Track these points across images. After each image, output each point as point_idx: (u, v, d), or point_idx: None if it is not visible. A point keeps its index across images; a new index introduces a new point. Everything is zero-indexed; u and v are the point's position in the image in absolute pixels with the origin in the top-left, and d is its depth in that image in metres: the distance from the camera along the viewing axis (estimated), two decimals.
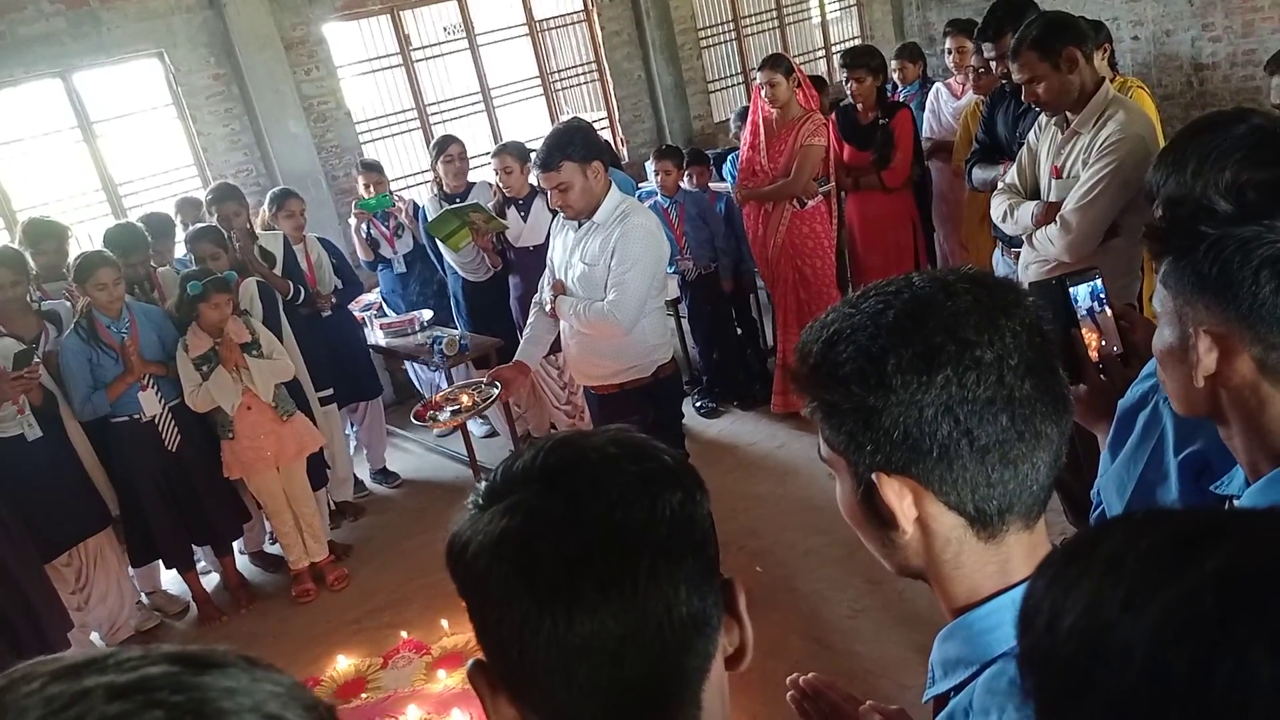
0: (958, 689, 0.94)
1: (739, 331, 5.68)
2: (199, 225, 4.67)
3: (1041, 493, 0.92)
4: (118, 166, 6.03)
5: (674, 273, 5.46)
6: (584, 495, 0.76)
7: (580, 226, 3.43)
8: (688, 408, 5.57)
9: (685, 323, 5.72)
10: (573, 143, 3.31)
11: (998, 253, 4.05)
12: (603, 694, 0.75)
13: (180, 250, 4.87)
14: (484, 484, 0.82)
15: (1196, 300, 1.10)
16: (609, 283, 3.34)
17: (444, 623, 3.91)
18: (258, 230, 4.95)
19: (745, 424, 5.37)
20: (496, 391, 3.58)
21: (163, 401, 4.25)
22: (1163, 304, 1.17)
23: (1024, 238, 3.27)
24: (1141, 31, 7.78)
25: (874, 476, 0.91)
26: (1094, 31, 3.53)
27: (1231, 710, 0.39)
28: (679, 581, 0.75)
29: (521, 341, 3.74)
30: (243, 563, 4.87)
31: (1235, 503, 1.20)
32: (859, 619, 3.54)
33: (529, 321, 3.70)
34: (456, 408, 3.78)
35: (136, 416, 4.21)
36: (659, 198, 5.35)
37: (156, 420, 4.24)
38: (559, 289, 3.52)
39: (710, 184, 5.67)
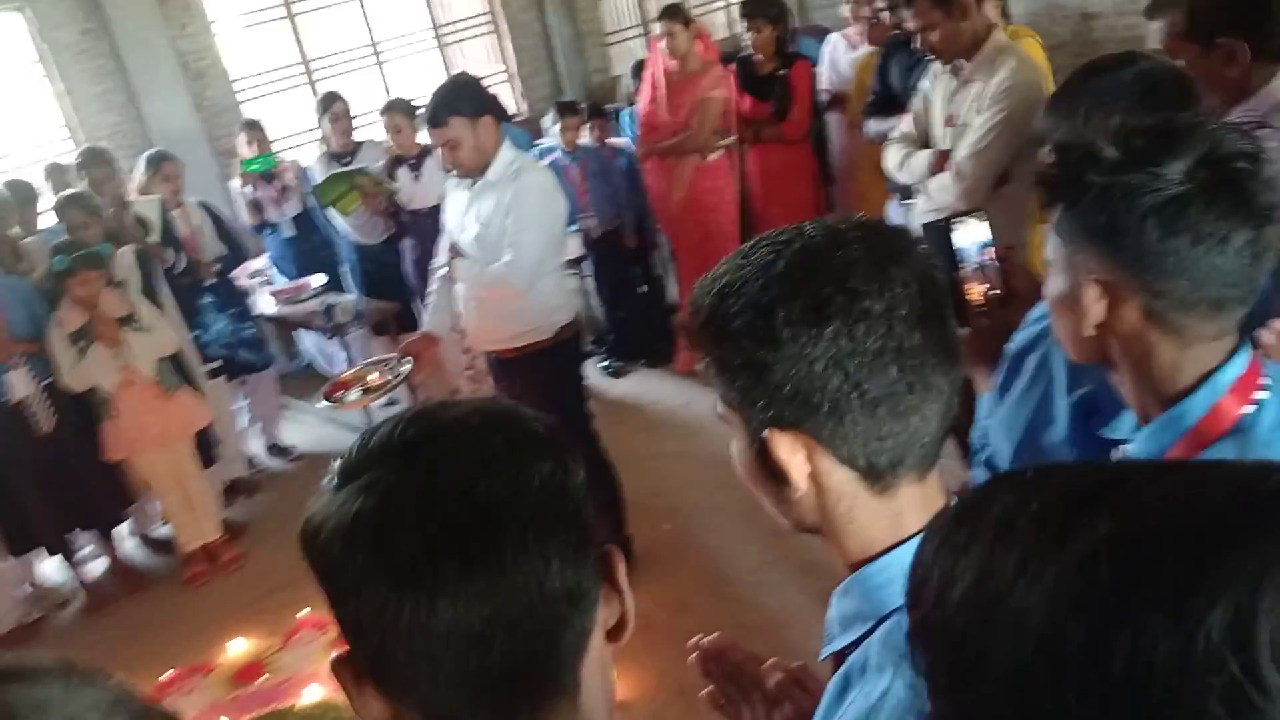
0: (854, 645, 0.91)
1: (644, 289, 5.62)
2: (67, 192, 4.39)
3: (933, 444, 0.89)
4: None
5: (577, 231, 5.37)
6: (444, 469, 0.70)
7: (473, 185, 3.31)
8: (594, 368, 5.52)
9: (590, 281, 5.64)
10: (460, 97, 3.19)
11: (893, 203, 4.06)
12: (472, 681, 0.70)
13: (49, 219, 4.58)
14: (339, 461, 0.74)
15: (1086, 248, 1.08)
16: (505, 243, 3.24)
17: None
18: (133, 196, 4.67)
19: (651, 382, 5.33)
20: (408, 369, 3.45)
21: (35, 381, 4.00)
22: (1055, 252, 1.15)
23: (918, 187, 3.28)
24: None
25: (766, 433, 0.87)
26: None
27: (1133, 683, 0.37)
28: (550, 556, 0.70)
29: (427, 310, 3.61)
30: (131, 546, 4.67)
31: (1125, 447, 1.19)
32: (765, 571, 3.56)
33: (433, 289, 3.57)
34: (366, 387, 3.64)
35: (4, 399, 3.95)
36: (560, 154, 5.23)
37: (28, 401, 3.99)
38: (454, 251, 3.40)
39: (609, 139, 5.56)
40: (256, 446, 5.35)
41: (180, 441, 4.26)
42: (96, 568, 4.56)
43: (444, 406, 0.77)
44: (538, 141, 6.95)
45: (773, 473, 0.89)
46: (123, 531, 4.62)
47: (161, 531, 4.62)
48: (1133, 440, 1.16)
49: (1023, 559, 0.42)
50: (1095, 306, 1.07)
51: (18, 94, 5.76)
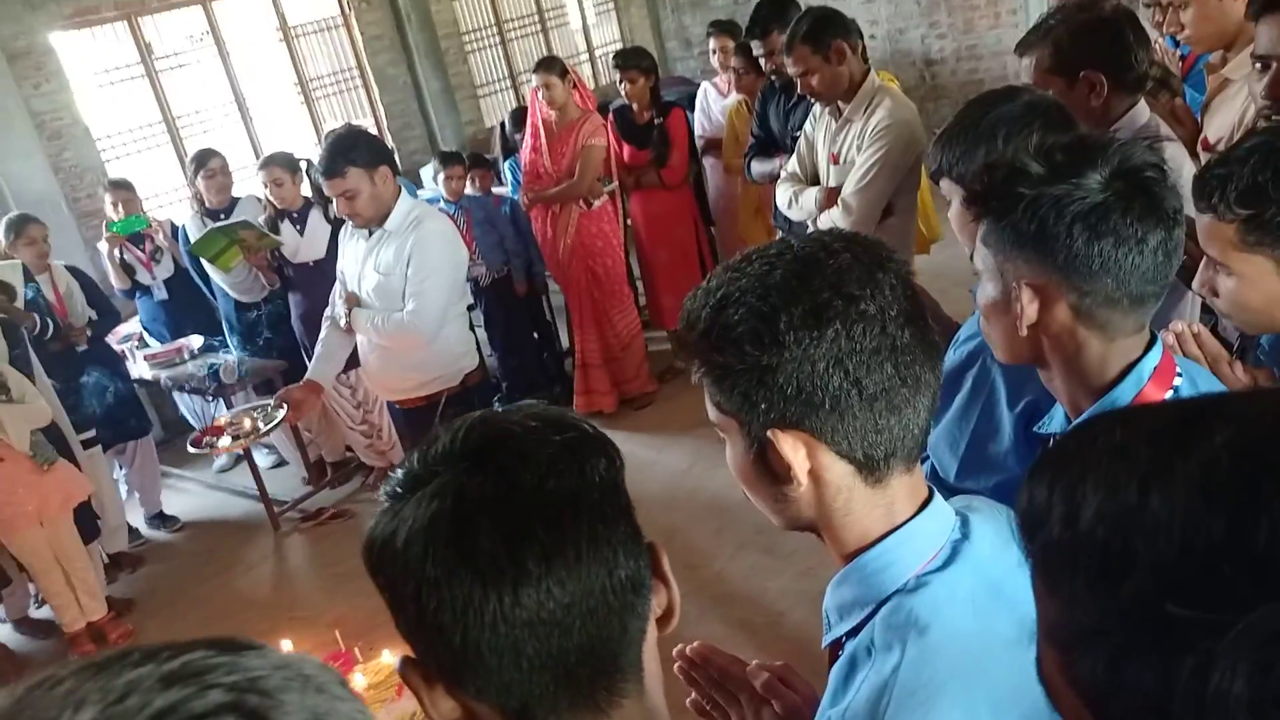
0: (853, 632, 0.97)
1: (535, 335, 5.65)
2: None
3: (921, 435, 0.96)
4: None
5: (467, 279, 5.36)
6: (514, 468, 0.75)
7: (371, 235, 3.30)
8: None
9: (481, 330, 5.63)
10: (356, 147, 3.19)
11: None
12: (553, 665, 0.75)
13: None
14: (400, 472, 0.79)
15: (1016, 255, 1.19)
16: (407, 292, 3.23)
17: (286, 644, 3.66)
18: None
19: None
20: (282, 414, 3.37)
21: None
22: (984, 262, 1.26)
23: (809, 222, 3.45)
24: (877, 30, 8.39)
25: (770, 433, 0.93)
26: None
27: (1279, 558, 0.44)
28: (616, 545, 0.77)
29: (313, 359, 3.54)
30: (5, 632, 4.36)
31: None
32: (682, 603, 3.60)
33: (321, 338, 3.52)
34: (237, 432, 3.53)
35: None
36: (443, 204, 5.24)
37: None
38: (353, 301, 3.37)
39: (492, 188, 5.61)
40: (137, 518, 5.09)
41: (59, 517, 4.02)
42: None
43: (498, 413, 0.82)
44: (418, 193, 6.94)
45: (771, 472, 0.95)
46: None
47: (40, 613, 4.33)
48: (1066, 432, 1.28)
49: (1146, 474, 0.48)
50: (1029, 307, 1.18)
51: None
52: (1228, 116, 2.36)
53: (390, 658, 3.71)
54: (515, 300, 5.38)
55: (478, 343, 5.72)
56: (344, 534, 4.69)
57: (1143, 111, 2.10)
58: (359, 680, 3.59)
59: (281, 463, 5.48)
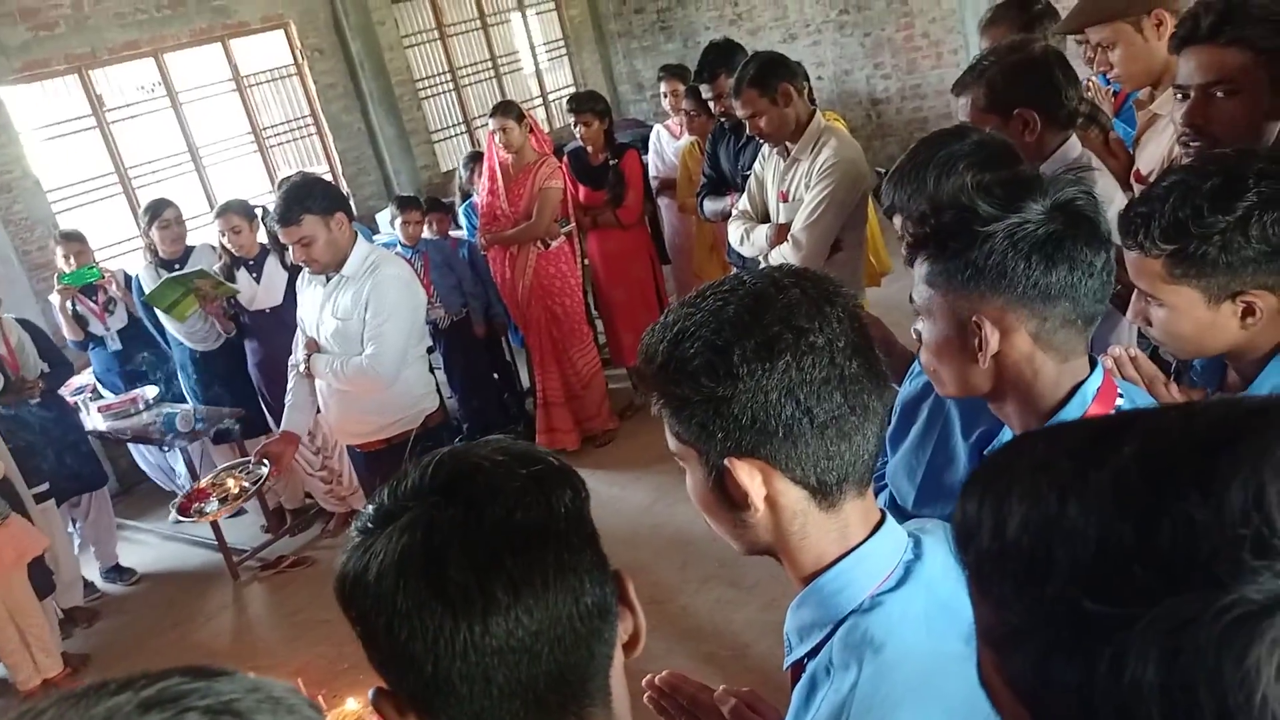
0: (813, 653, 1.01)
1: (495, 376, 5.66)
2: None
3: (871, 460, 1.01)
4: None
5: (426, 322, 5.37)
6: (482, 502, 0.78)
7: (329, 281, 3.32)
8: None
9: (440, 373, 5.63)
10: (312, 195, 3.21)
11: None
12: (523, 691, 0.77)
13: None
14: (370, 508, 0.81)
15: (972, 291, 1.23)
16: (365, 336, 3.25)
17: None
18: None
19: None
20: (266, 471, 3.36)
21: None
22: (928, 302, 1.29)
23: (761, 258, 3.51)
24: (824, 72, 8.60)
25: (726, 461, 0.96)
26: None
27: (1182, 551, 0.48)
28: (582, 573, 0.80)
29: (286, 409, 3.53)
30: None
31: None
32: (649, 638, 3.59)
33: (290, 387, 3.51)
34: (224, 495, 3.49)
35: None
36: (400, 248, 5.27)
37: None
38: (312, 347, 3.37)
39: (449, 232, 5.64)
40: (92, 571, 4.99)
41: (13, 573, 3.94)
42: None
43: (468, 450, 0.85)
44: (375, 237, 6.95)
45: (730, 499, 0.99)
46: None
47: None
48: None
49: (1065, 486, 0.53)
50: (992, 339, 1.22)
51: None
52: (1157, 149, 2.46)
53: (355, 705, 3.67)
54: (474, 342, 5.40)
55: (437, 384, 5.77)
56: (304, 582, 4.64)
57: (1074, 146, 2.19)
58: None
59: (239, 511, 5.41)
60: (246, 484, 3.47)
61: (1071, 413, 1.24)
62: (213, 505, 3.41)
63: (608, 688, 0.84)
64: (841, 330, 0.96)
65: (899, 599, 0.98)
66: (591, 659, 0.81)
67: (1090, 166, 2.08)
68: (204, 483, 3.48)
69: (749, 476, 0.96)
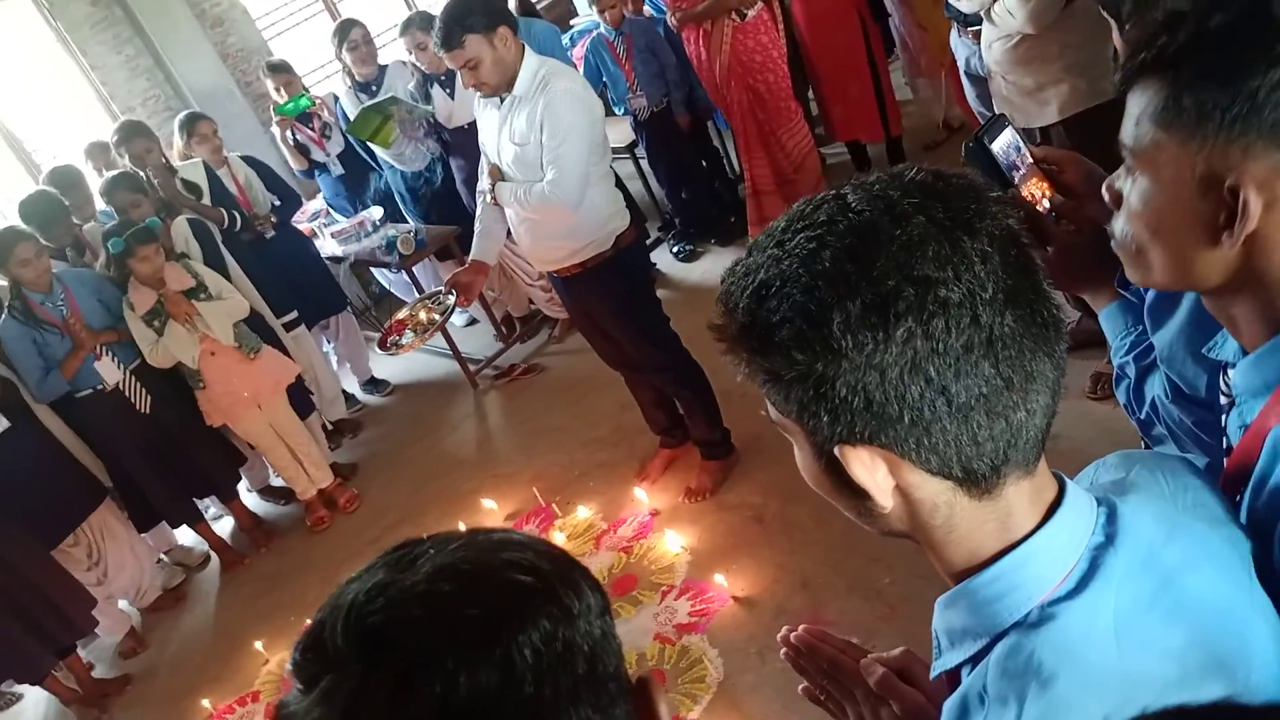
0: (967, 662, 0.80)
1: (703, 164, 5.38)
2: (111, 174, 4.36)
3: (1041, 434, 0.75)
4: (19, 124, 5.63)
5: (625, 114, 5.13)
6: (415, 673, 0.57)
7: (502, 103, 3.14)
8: (665, 254, 5.37)
9: (645, 164, 5.43)
10: (471, 13, 2.98)
11: (954, 33, 3.73)
12: None
13: (101, 202, 4.58)
14: (298, 649, 0.63)
15: (1236, 140, 0.82)
16: (544, 160, 3.08)
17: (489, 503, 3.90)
18: (176, 162, 4.63)
19: (725, 260, 5.13)
20: (453, 301, 3.37)
21: (122, 366, 4.08)
22: (1151, 149, 0.88)
23: (983, 13, 3.01)
24: None
25: (836, 450, 0.74)
26: None
27: None
28: None
29: (475, 237, 3.49)
30: (253, 500, 4.84)
31: (1231, 370, 0.97)
32: (808, 550, 3.20)
33: (477, 215, 3.45)
34: (417, 327, 3.57)
35: (100, 387, 4.05)
36: (603, 29, 4.94)
37: (121, 386, 4.09)
38: (495, 175, 3.26)
39: (643, 11, 5.24)
40: (351, 385, 5.42)
41: (274, 399, 4.32)
42: (226, 526, 4.75)
43: (409, 568, 0.64)
44: (573, 22, 6.65)
45: (850, 486, 0.77)
46: (243, 488, 4.76)
47: (279, 480, 4.74)
48: (1238, 365, 0.95)
49: None
50: (1256, 211, 0.83)
51: (46, 79, 5.72)
52: None
53: (585, 512, 3.82)
54: (678, 131, 5.09)
55: (644, 179, 5.58)
56: (535, 390, 4.80)
57: None
58: (558, 537, 3.74)
59: (473, 321, 5.63)
60: (437, 315, 3.51)
61: None
62: (408, 337, 3.49)
63: None
64: (988, 272, 0.69)
65: (1078, 610, 0.74)
66: None
67: None
68: (397, 319, 3.55)
69: (867, 469, 0.74)
